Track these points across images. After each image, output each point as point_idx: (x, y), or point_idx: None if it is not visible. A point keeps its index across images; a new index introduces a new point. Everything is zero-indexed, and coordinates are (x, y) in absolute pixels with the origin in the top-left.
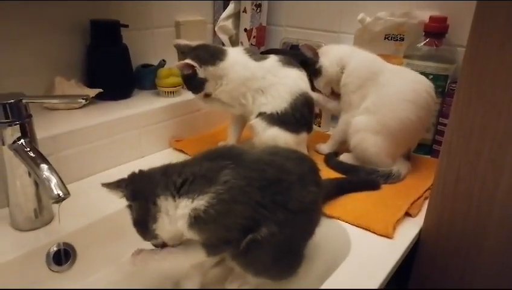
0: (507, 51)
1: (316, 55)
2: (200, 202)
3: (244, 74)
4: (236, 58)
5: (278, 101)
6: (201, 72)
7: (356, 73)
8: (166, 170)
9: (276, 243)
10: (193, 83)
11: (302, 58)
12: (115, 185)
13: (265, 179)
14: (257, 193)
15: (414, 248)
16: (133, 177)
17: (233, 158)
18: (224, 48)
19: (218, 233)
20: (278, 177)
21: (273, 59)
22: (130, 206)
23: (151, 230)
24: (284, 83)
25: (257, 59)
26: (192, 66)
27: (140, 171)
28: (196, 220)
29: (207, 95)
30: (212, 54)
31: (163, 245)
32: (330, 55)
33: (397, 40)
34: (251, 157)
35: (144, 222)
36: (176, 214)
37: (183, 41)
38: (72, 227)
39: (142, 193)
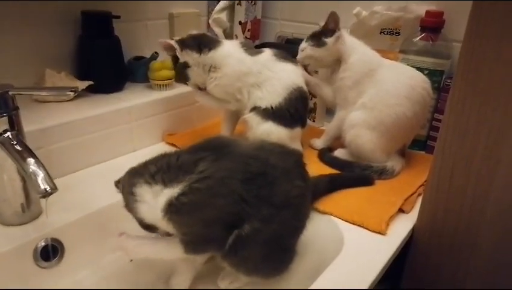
0: (503, 47)
1: (333, 32)
2: (175, 189)
3: (240, 69)
4: (232, 51)
5: (273, 95)
6: (181, 56)
7: (354, 68)
8: (146, 162)
9: (263, 239)
10: (176, 67)
11: (296, 52)
12: (117, 182)
13: (249, 171)
14: (239, 187)
15: (407, 244)
16: (126, 172)
17: (215, 149)
18: (220, 39)
19: (196, 228)
20: (261, 171)
21: (268, 53)
22: None
23: (139, 219)
24: (279, 77)
25: (252, 53)
26: (173, 47)
27: (132, 168)
28: (170, 209)
29: (201, 89)
30: (200, 42)
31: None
32: (339, 41)
33: (393, 34)
34: (235, 149)
35: (131, 212)
36: (155, 203)
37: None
38: (60, 222)
39: (124, 184)
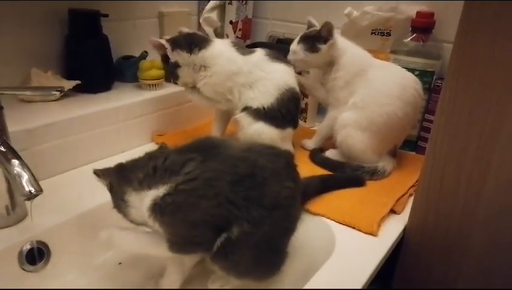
0: (495, 47)
1: (326, 40)
2: (160, 190)
3: (230, 68)
4: (222, 50)
5: (265, 96)
6: (172, 56)
7: (346, 69)
8: (134, 164)
9: (254, 242)
10: (168, 66)
11: (288, 51)
12: (102, 174)
13: (237, 173)
14: (227, 189)
15: (398, 245)
16: (114, 169)
17: (203, 151)
18: (211, 38)
19: (181, 229)
20: (250, 173)
21: (260, 53)
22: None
23: (130, 220)
24: (271, 78)
25: (244, 53)
26: (164, 47)
27: (120, 165)
28: (155, 208)
29: (193, 87)
30: (191, 41)
31: None
32: (333, 48)
33: (384, 35)
34: (223, 151)
35: (123, 215)
36: (141, 206)
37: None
38: (46, 224)
39: (115, 188)
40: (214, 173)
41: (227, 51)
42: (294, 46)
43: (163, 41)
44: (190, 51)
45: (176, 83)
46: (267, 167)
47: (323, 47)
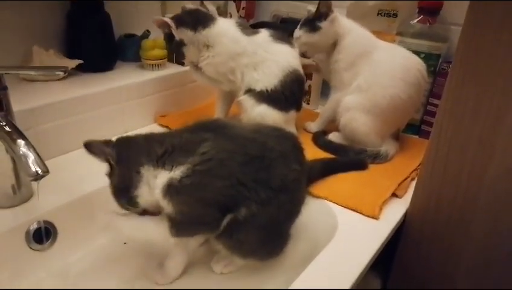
0: (504, 33)
1: (327, 16)
2: (176, 172)
3: (233, 48)
4: (227, 30)
5: (268, 77)
6: (176, 34)
7: (349, 50)
8: (149, 139)
9: (260, 223)
10: (171, 44)
11: (292, 31)
12: (100, 145)
13: (247, 154)
14: (238, 169)
15: (399, 232)
16: (120, 141)
17: (215, 131)
18: (216, 17)
19: (193, 208)
20: (259, 154)
21: (264, 34)
22: (110, 174)
23: (132, 197)
24: (276, 59)
25: (248, 33)
26: (168, 25)
27: (127, 137)
28: (170, 190)
29: (198, 67)
30: (195, 19)
31: (142, 213)
32: (335, 24)
33: (390, 16)
34: (234, 131)
35: (125, 188)
36: (154, 184)
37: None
38: (52, 204)
39: (126, 158)
40: (227, 153)
41: (232, 31)
42: (297, 32)
43: (167, 19)
44: (195, 29)
45: (180, 63)
46: (276, 149)
47: (325, 24)
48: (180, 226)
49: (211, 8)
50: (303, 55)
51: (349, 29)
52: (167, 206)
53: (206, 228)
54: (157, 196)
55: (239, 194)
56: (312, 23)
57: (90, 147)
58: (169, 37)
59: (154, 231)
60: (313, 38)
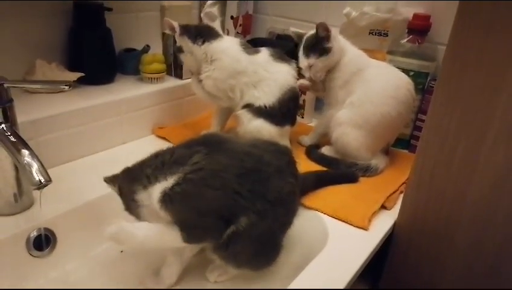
0: (484, 57)
1: (329, 37)
2: (169, 181)
3: (234, 66)
4: (228, 48)
5: (267, 96)
6: (178, 40)
7: (345, 68)
8: (142, 164)
9: (257, 234)
10: (174, 47)
11: (289, 48)
12: (111, 180)
13: (243, 167)
14: (234, 181)
15: (388, 240)
16: (122, 173)
17: (210, 145)
18: (222, 34)
19: (189, 217)
20: (256, 168)
21: (265, 53)
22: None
23: (140, 220)
24: (275, 78)
25: (250, 52)
26: (171, 25)
27: (127, 168)
28: (165, 199)
29: (200, 79)
30: (198, 33)
31: None
32: (338, 40)
33: (381, 35)
34: (229, 146)
35: (135, 216)
36: (151, 201)
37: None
38: (52, 212)
39: (124, 190)
40: (221, 166)
41: (234, 49)
42: (305, 61)
43: (175, 24)
44: (194, 40)
45: (178, 77)
46: (272, 163)
47: (333, 43)
48: (187, 234)
49: (209, 23)
50: (310, 79)
51: (346, 49)
52: (166, 216)
53: (208, 237)
54: (157, 210)
55: (237, 204)
56: (320, 47)
57: (107, 182)
58: (174, 41)
59: (163, 241)
60: (328, 60)
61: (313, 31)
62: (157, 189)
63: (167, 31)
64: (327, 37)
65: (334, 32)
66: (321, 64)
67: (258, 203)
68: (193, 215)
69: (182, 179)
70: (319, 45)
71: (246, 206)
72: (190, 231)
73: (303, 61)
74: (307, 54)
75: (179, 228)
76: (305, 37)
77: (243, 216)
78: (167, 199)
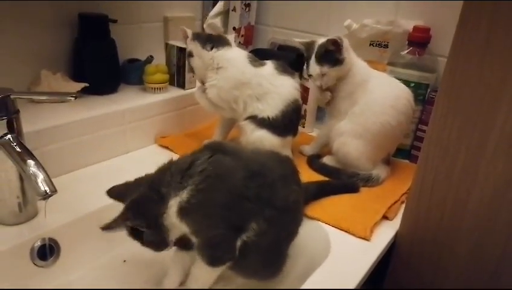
0: (484, 70)
1: (341, 49)
2: (183, 195)
3: (239, 78)
4: (235, 58)
5: (271, 108)
6: (188, 44)
7: (352, 79)
8: (151, 187)
9: (266, 243)
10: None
11: (291, 60)
12: (115, 225)
13: (248, 170)
14: (240, 183)
15: (390, 250)
16: (131, 205)
17: (214, 150)
18: (232, 44)
19: (205, 227)
20: (260, 171)
21: (270, 66)
22: (134, 235)
23: (168, 242)
24: (280, 91)
25: (256, 65)
26: (185, 33)
27: (132, 201)
28: (182, 212)
29: (205, 88)
30: (209, 39)
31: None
32: (351, 53)
33: (382, 47)
34: (233, 151)
35: (160, 240)
36: (171, 218)
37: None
38: (56, 222)
39: (141, 222)
40: (226, 169)
41: (240, 61)
42: (318, 69)
43: (187, 30)
44: (203, 45)
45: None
46: (276, 171)
47: (346, 54)
48: (211, 259)
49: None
50: (320, 87)
51: (353, 61)
52: (183, 227)
53: (227, 254)
54: (176, 223)
55: (245, 210)
56: (332, 58)
57: (109, 229)
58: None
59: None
60: (341, 70)
61: (325, 38)
62: (174, 204)
63: (178, 40)
64: (338, 49)
65: (346, 43)
66: (334, 74)
67: (266, 210)
68: (206, 225)
69: (196, 191)
70: (329, 53)
71: (255, 212)
72: (208, 252)
73: (315, 69)
74: (320, 62)
75: (203, 257)
76: (317, 45)
77: (254, 222)
78: (184, 211)
